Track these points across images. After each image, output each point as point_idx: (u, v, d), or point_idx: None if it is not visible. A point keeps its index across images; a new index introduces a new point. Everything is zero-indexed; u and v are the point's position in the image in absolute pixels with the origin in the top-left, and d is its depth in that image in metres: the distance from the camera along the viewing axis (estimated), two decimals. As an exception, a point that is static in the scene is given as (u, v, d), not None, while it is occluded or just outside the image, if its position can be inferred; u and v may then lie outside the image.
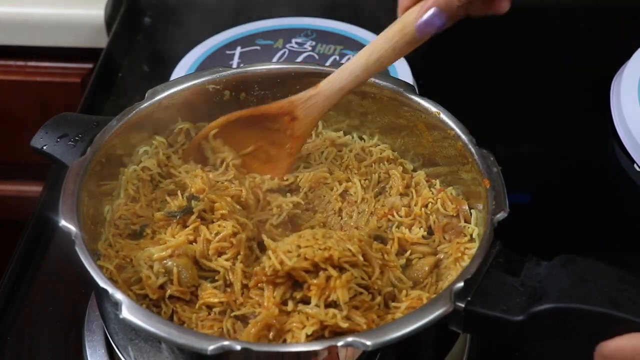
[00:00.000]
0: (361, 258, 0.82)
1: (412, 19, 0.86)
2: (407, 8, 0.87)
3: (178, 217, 0.88)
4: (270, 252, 0.82)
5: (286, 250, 0.81)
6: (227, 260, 0.85)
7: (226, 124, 0.97)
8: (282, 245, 0.83)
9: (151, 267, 0.84)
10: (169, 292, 0.83)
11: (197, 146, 0.98)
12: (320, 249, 0.81)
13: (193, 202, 0.88)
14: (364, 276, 0.82)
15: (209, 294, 0.83)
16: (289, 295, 0.81)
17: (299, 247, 0.81)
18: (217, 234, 0.86)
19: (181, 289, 0.83)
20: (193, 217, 0.88)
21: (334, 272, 0.80)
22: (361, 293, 0.81)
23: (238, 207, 0.90)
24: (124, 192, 0.93)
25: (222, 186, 0.92)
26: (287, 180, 0.97)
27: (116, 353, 0.86)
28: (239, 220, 0.88)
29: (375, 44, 0.89)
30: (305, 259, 0.80)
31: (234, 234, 0.86)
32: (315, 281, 0.79)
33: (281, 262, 0.80)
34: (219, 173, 0.95)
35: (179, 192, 0.91)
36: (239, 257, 0.85)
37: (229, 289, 0.84)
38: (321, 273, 0.80)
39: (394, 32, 0.88)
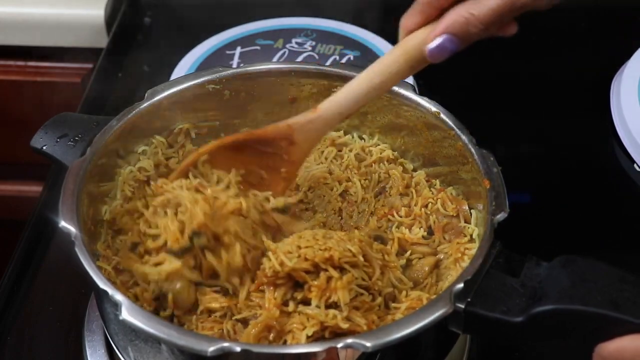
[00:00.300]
0: (361, 258, 0.82)
1: (415, 44, 0.82)
2: (410, 32, 0.83)
3: (178, 254, 0.84)
4: (270, 254, 0.82)
5: (286, 251, 0.81)
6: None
7: (216, 149, 0.91)
8: (282, 246, 0.83)
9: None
10: (165, 313, 0.83)
11: (185, 172, 0.90)
12: (321, 250, 0.80)
13: (195, 240, 0.83)
14: (365, 277, 0.82)
15: (210, 298, 0.83)
16: (289, 296, 0.81)
17: (299, 247, 0.81)
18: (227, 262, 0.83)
19: (178, 311, 0.83)
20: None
21: (334, 273, 0.80)
22: (362, 294, 0.81)
23: (244, 225, 0.85)
24: (120, 193, 0.92)
25: (220, 203, 0.86)
26: (291, 196, 0.94)
27: (116, 353, 0.86)
28: (248, 242, 0.85)
29: (377, 68, 0.85)
30: (306, 259, 0.80)
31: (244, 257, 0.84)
32: (316, 282, 0.79)
33: (281, 263, 0.80)
34: (220, 189, 0.88)
35: (177, 222, 0.84)
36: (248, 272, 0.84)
37: (230, 292, 0.84)
38: (322, 274, 0.80)
39: (396, 56, 0.83)
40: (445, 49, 0.80)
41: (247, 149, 0.91)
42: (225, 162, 0.91)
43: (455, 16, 0.79)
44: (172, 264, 0.82)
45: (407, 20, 0.83)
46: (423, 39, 0.82)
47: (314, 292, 0.79)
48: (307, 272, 0.80)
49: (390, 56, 0.84)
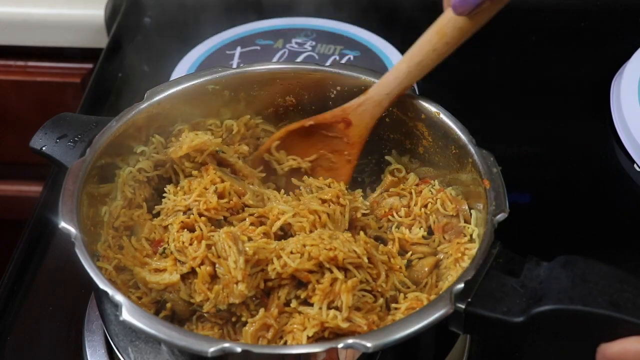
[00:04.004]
0: (366, 260, 0.82)
1: (445, 17, 0.87)
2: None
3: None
4: (274, 257, 0.82)
5: (291, 251, 0.81)
6: None
7: (286, 135, 0.98)
8: (287, 245, 0.83)
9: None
10: (165, 312, 0.83)
11: (261, 159, 0.99)
12: (326, 249, 0.81)
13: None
14: (369, 278, 0.82)
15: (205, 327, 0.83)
16: (292, 295, 0.81)
17: (304, 245, 0.82)
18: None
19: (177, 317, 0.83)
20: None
21: (338, 274, 0.80)
22: (363, 295, 0.81)
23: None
24: (121, 194, 0.92)
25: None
26: None
27: (116, 354, 0.86)
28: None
29: (414, 48, 0.91)
30: (310, 257, 0.80)
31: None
32: (320, 285, 0.80)
33: (284, 265, 0.80)
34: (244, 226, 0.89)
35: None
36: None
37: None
38: (326, 275, 0.80)
39: (432, 34, 0.89)
40: (467, 1, 0.84)
41: (313, 135, 0.98)
42: (297, 148, 0.99)
43: None
44: (172, 276, 0.83)
45: None
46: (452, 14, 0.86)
47: (318, 295, 0.79)
48: (311, 271, 0.80)
49: (426, 36, 0.90)
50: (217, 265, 0.82)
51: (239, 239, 0.83)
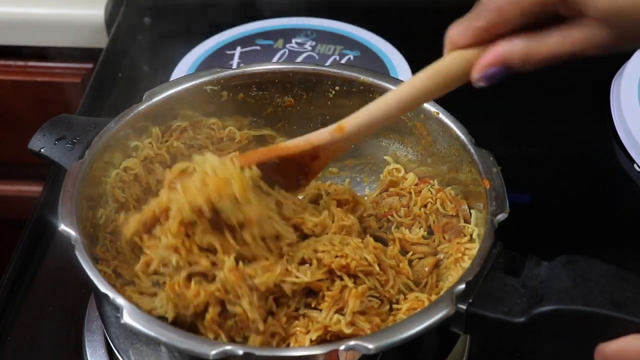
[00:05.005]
0: (377, 268, 0.82)
1: (453, 67, 0.77)
2: (457, 48, 0.76)
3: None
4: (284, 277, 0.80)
5: (302, 258, 0.81)
6: None
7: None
8: (298, 251, 0.82)
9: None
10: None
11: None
12: (338, 256, 0.81)
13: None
14: (377, 285, 0.82)
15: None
16: (302, 304, 0.81)
17: (315, 251, 0.81)
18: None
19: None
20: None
21: (349, 282, 0.80)
22: (370, 300, 0.81)
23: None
24: (111, 198, 0.90)
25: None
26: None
27: (116, 355, 0.86)
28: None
29: (402, 88, 0.81)
30: (322, 265, 0.80)
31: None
32: (330, 292, 0.79)
33: (296, 282, 0.79)
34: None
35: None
36: None
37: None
38: (337, 282, 0.80)
39: (422, 79, 0.79)
40: (494, 78, 0.76)
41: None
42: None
43: (512, 47, 0.75)
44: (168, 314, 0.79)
45: (458, 35, 0.76)
46: (457, 64, 0.76)
47: (327, 302, 0.79)
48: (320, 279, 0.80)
49: (414, 80, 0.80)
50: (226, 302, 0.78)
51: (247, 275, 0.78)
